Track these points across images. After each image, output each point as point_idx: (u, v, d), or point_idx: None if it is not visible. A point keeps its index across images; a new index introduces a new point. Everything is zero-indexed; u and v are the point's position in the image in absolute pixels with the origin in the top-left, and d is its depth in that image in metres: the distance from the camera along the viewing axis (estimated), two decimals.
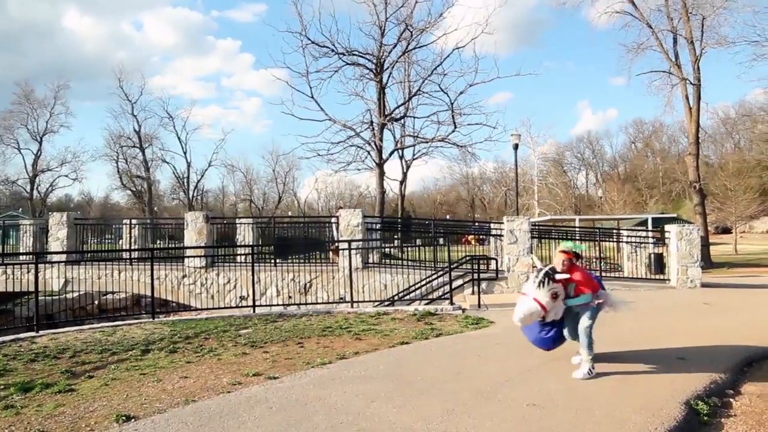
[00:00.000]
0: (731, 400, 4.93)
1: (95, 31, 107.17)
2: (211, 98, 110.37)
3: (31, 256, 14.83)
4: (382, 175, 28.30)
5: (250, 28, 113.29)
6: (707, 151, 60.17)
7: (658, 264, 14.84)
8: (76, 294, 17.16)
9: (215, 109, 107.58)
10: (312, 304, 12.61)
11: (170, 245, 20.52)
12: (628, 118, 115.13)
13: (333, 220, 16.48)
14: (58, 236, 16.95)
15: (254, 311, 10.80)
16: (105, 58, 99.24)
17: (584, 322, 5.41)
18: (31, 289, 11.19)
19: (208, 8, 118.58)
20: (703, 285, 13.61)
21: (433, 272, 13.82)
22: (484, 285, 12.98)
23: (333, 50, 26.40)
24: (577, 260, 5.64)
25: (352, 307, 11.29)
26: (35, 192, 60.66)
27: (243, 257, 15.47)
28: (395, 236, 22.95)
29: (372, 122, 27.72)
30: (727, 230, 50.20)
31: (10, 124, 58.09)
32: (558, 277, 5.34)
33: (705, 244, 23.33)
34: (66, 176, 62.32)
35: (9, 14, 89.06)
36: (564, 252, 5.51)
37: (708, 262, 23.38)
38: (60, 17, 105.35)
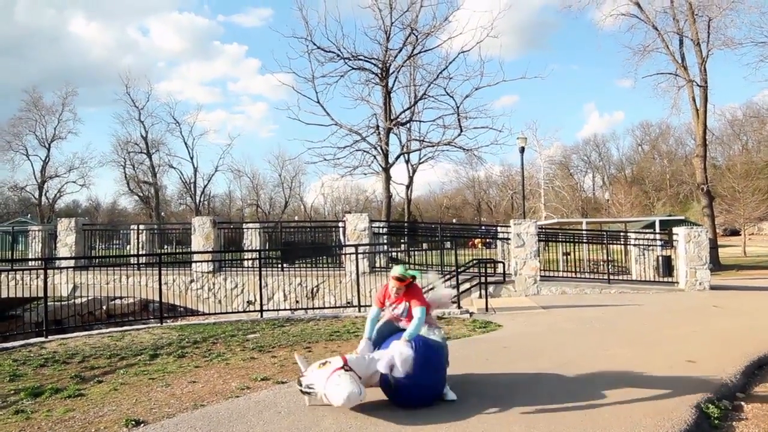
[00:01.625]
0: (742, 403, 4.90)
1: (101, 36, 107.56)
2: (218, 103, 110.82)
3: (40, 262, 14.94)
4: (388, 179, 28.32)
5: (256, 33, 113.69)
6: (715, 153, 59.95)
7: (667, 266, 14.77)
8: (84, 299, 17.22)
9: (221, 114, 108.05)
10: (319, 308, 12.61)
11: (178, 250, 20.60)
12: (634, 120, 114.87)
13: (341, 224, 16.51)
14: (67, 242, 17.06)
15: (262, 316, 10.82)
16: (111, 64, 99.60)
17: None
18: (40, 294, 11.25)
19: (215, 13, 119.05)
20: (712, 287, 13.53)
21: (440, 276, 13.79)
22: (491, 288, 12.95)
23: (338, 55, 26.50)
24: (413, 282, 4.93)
25: (359, 311, 11.28)
26: (44, 198, 61.11)
27: (250, 262, 15.50)
28: (402, 240, 22.95)
29: (378, 126, 27.76)
30: (735, 232, 49.89)
31: (18, 130, 58.66)
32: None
33: (713, 247, 23.19)
34: (74, 182, 62.82)
35: (15, 20, 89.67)
36: (398, 279, 4.80)
37: (717, 265, 23.23)
38: (66, 23, 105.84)
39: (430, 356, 4.52)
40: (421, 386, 4.52)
